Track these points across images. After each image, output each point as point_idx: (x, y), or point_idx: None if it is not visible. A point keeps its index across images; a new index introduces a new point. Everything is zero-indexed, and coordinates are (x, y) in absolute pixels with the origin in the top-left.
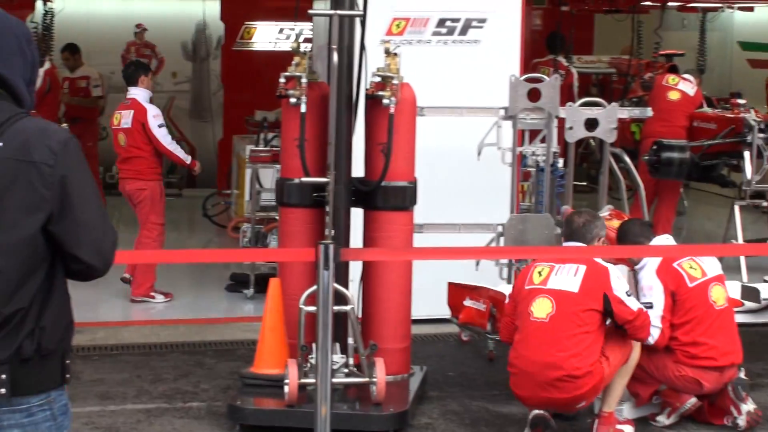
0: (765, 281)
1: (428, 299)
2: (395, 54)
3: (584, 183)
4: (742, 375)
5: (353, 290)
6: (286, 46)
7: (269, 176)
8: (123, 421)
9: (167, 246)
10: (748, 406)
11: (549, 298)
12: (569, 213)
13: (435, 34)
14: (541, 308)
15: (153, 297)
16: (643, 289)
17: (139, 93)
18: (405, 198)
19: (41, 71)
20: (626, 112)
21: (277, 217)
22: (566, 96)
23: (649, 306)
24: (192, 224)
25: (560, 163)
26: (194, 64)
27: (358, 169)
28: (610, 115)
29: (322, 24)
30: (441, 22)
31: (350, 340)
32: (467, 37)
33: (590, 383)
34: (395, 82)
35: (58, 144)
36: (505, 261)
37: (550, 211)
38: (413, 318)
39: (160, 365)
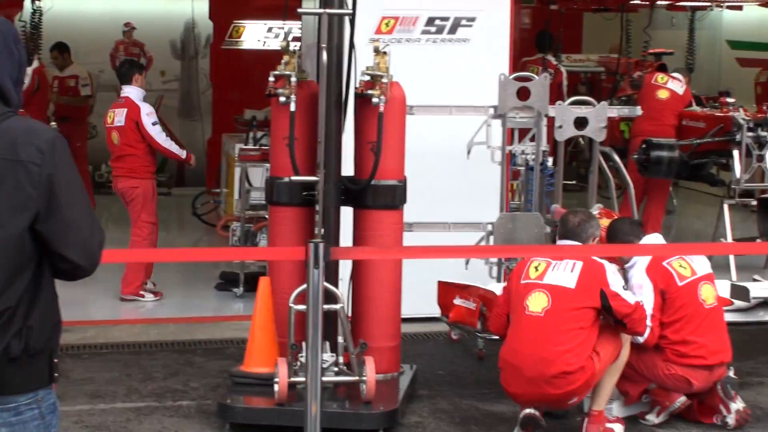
0: (754, 280)
1: (418, 298)
2: (384, 53)
3: (574, 182)
4: (731, 374)
5: (343, 289)
6: (275, 44)
7: (258, 175)
8: (113, 419)
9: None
10: (738, 405)
11: (545, 293)
12: (562, 212)
13: (424, 32)
14: (537, 302)
15: (142, 296)
16: (632, 287)
17: (132, 91)
18: (395, 197)
19: (29, 70)
20: (615, 111)
21: (266, 216)
22: (555, 95)
23: None
24: (181, 223)
25: (550, 161)
26: (183, 63)
27: (347, 168)
28: (600, 114)
29: (311, 23)
30: (430, 21)
31: (340, 339)
32: (456, 36)
33: (582, 379)
34: (384, 80)
35: (45, 143)
36: (494, 260)
37: (540, 210)
38: (403, 316)
39: (150, 364)
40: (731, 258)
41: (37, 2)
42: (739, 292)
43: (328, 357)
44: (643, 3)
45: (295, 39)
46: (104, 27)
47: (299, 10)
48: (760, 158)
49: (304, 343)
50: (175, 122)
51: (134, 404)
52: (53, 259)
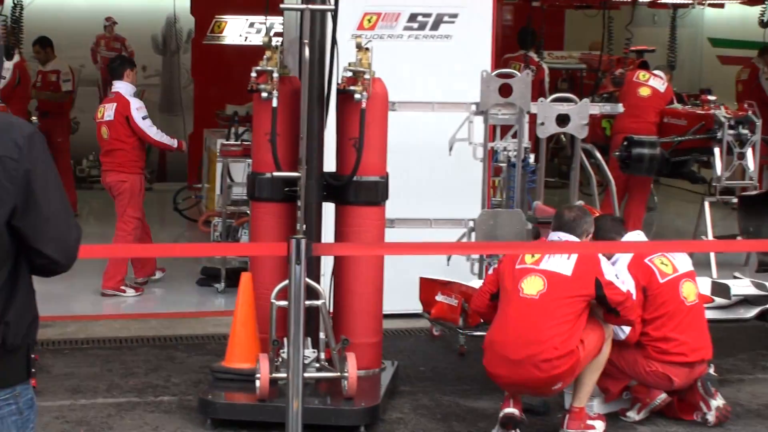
0: (735, 277)
1: (400, 294)
2: (367, 49)
3: (555, 178)
4: (711, 371)
5: (325, 284)
6: (256, 40)
7: (240, 170)
8: (94, 415)
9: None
10: (718, 402)
11: (541, 277)
12: (543, 209)
13: (406, 29)
14: (532, 285)
15: (123, 291)
16: None
17: (122, 87)
18: (377, 193)
19: (10, 65)
20: (597, 108)
21: (248, 212)
22: (537, 91)
23: None
24: (163, 218)
25: (531, 158)
26: (164, 58)
27: (329, 164)
28: (582, 111)
29: (293, 18)
30: (412, 17)
31: (322, 335)
32: (438, 33)
33: (567, 364)
34: (367, 77)
35: (22, 138)
36: (476, 256)
37: (522, 207)
38: (385, 313)
39: (131, 359)
40: (712, 255)
41: None
42: (720, 289)
43: (309, 353)
44: (625, 0)
45: (277, 34)
46: (85, 21)
47: (281, 5)
48: (741, 156)
49: (285, 339)
50: (157, 117)
51: (115, 399)
52: (30, 255)
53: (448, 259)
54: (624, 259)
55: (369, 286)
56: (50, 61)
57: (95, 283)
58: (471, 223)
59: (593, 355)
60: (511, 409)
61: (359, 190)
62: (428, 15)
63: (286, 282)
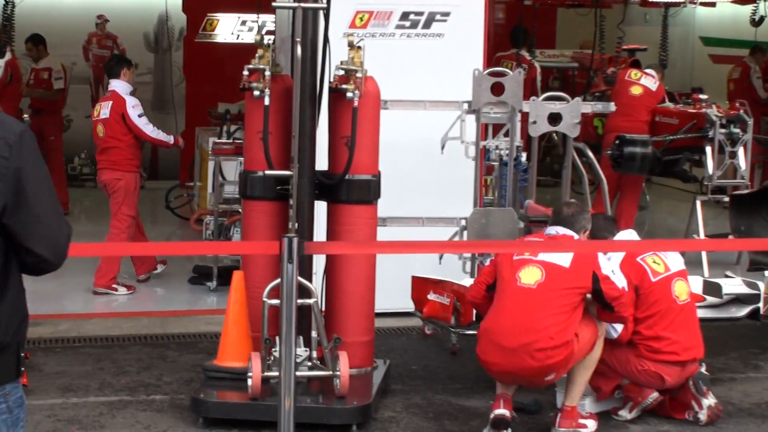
0: (726, 276)
1: (392, 293)
2: (359, 47)
3: (547, 177)
4: (703, 370)
5: (317, 283)
6: (248, 38)
7: (232, 168)
8: (85, 413)
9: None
10: (709, 401)
11: (539, 268)
12: (535, 207)
13: (398, 27)
14: (531, 275)
15: (115, 290)
16: None
17: (119, 85)
18: (369, 191)
19: (2, 62)
20: (589, 107)
21: (240, 210)
22: (529, 90)
23: None
24: (154, 216)
25: (523, 157)
26: (156, 56)
27: (321, 163)
28: (574, 110)
29: (285, 16)
30: (404, 16)
31: (314, 334)
32: (431, 31)
33: (562, 354)
34: (359, 75)
35: (13, 136)
36: (468, 255)
37: (513, 205)
38: (377, 311)
39: (123, 358)
40: (703, 254)
41: None
42: (711, 288)
43: (301, 351)
44: None
45: (269, 32)
46: (77, 19)
47: (273, 3)
48: (733, 155)
49: (277, 338)
50: (149, 115)
51: (107, 398)
52: (20, 253)
53: (440, 258)
54: (616, 258)
55: (361, 285)
56: (43, 58)
57: (87, 282)
58: (463, 222)
59: (587, 350)
60: (502, 410)
61: (351, 189)
62: (420, 13)
63: (278, 280)
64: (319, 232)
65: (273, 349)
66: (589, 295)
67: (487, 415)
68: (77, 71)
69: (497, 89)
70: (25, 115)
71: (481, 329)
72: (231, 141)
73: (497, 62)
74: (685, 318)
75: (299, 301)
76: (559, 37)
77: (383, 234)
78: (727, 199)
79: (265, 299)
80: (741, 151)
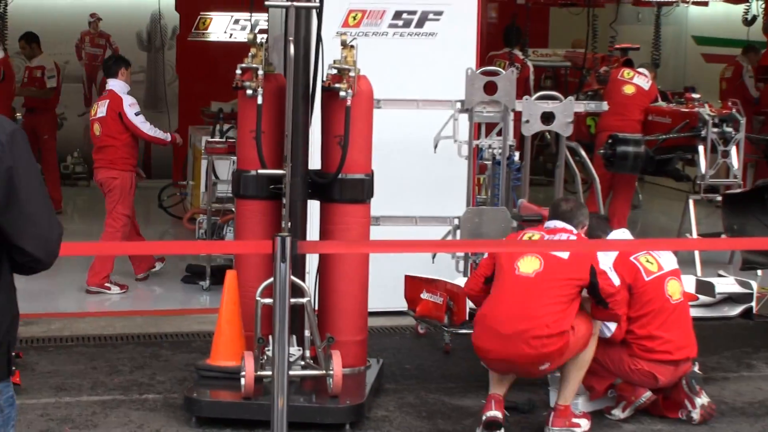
0: (719, 275)
1: (385, 292)
2: (352, 46)
3: (540, 176)
4: (696, 369)
5: (310, 282)
6: (241, 37)
7: (225, 167)
8: (78, 412)
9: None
10: (702, 400)
11: (538, 258)
12: (528, 206)
13: (391, 26)
14: (529, 265)
15: (108, 288)
16: None
17: (116, 84)
18: (362, 190)
19: None
20: (582, 106)
21: (233, 209)
22: (522, 89)
23: None
24: (147, 215)
25: (516, 156)
26: (149, 55)
27: (315, 162)
28: (567, 109)
29: (278, 15)
30: (397, 15)
31: (307, 333)
32: (424, 30)
33: (558, 343)
34: (352, 74)
35: (5, 135)
36: (461, 254)
37: (506, 204)
38: (370, 310)
39: (116, 357)
40: (696, 253)
41: None
42: (704, 287)
43: (294, 351)
44: None
45: (262, 31)
46: (70, 18)
47: (266, 2)
48: (725, 154)
49: (270, 337)
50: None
51: (100, 397)
52: (11, 252)
53: (434, 257)
54: (609, 257)
55: (354, 284)
56: (36, 57)
57: (80, 281)
58: (456, 221)
59: (582, 344)
60: (494, 412)
61: (344, 188)
62: (413, 12)
63: (271, 280)
64: (312, 232)
65: (266, 349)
66: (584, 292)
67: (480, 415)
68: (70, 70)
69: (490, 88)
70: (18, 114)
71: (477, 316)
72: (224, 140)
73: (490, 61)
74: (678, 317)
75: (292, 300)
76: (552, 36)
77: (376, 233)
78: (719, 198)
79: (258, 298)
80: (733, 150)
